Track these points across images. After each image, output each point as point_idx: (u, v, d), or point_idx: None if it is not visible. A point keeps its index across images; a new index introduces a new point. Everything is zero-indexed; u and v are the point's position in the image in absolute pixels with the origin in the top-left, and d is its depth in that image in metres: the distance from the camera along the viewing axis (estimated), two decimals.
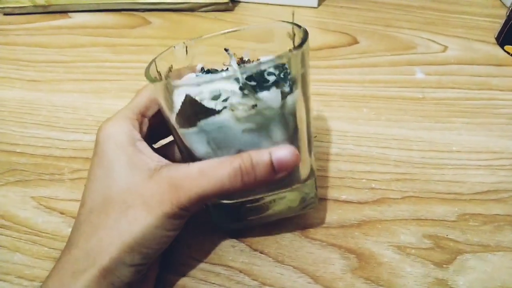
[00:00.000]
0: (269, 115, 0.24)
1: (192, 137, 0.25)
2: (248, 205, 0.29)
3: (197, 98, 0.24)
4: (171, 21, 0.56)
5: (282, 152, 0.25)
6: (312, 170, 0.29)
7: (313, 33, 0.53)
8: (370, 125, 0.40)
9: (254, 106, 0.24)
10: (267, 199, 0.29)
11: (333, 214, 0.33)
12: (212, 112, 0.24)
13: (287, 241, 0.32)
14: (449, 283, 0.29)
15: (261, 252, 0.31)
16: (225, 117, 0.24)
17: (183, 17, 0.56)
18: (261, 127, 0.24)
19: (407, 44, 0.51)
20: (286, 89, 0.25)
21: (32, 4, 0.56)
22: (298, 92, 0.25)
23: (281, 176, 0.25)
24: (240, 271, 0.30)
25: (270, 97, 0.24)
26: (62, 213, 0.34)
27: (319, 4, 0.56)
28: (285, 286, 0.29)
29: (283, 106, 0.25)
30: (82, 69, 0.48)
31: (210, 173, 0.24)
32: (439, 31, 0.53)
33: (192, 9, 0.57)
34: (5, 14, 0.57)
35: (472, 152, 0.38)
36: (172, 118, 0.25)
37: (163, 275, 0.29)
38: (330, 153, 0.38)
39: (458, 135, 0.39)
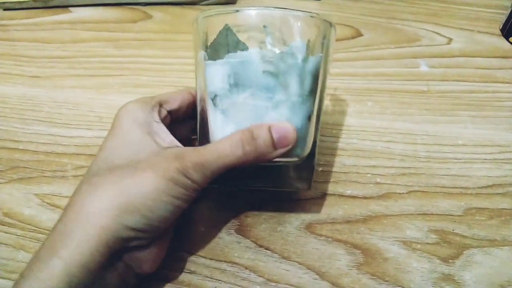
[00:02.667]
0: (290, 64, 0.26)
1: (216, 69, 0.27)
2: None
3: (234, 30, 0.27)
4: (172, 15, 0.55)
5: (282, 127, 0.26)
6: (314, 147, 0.29)
7: None
8: (375, 118, 0.40)
9: (281, 50, 0.26)
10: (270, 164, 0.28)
11: (338, 210, 0.33)
12: (243, 46, 0.26)
13: (293, 237, 0.32)
14: (455, 278, 0.29)
15: (266, 249, 0.31)
16: (252, 52, 0.26)
17: (185, 11, 0.56)
18: (280, 73, 0.26)
19: (411, 36, 0.50)
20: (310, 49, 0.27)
21: None
22: (320, 57, 0.28)
23: (280, 153, 0.26)
24: (246, 268, 0.30)
25: (296, 46, 0.26)
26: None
27: None
28: (291, 282, 0.29)
29: (305, 60, 0.26)
30: (84, 65, 0.48)
31: (213, 147, 0.25)
32: (443, 23, 0.52)
33: (193, 2, 0.56)
34: (5, 10, 0.57)
35: (477, 146, 0.38)
36: (201, 54, 0.28)
37: (167, 272, 0.29)
38: (335, 148, 0.38)
39: (464, 128, 0.39)
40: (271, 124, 0.25)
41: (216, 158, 0.25)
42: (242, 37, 0.27)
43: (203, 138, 0.29)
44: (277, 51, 0.26)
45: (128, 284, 0.26)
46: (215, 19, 0.28)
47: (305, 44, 0.27)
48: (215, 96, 0.27)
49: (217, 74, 0.27)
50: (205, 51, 0.28)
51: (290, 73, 0.26)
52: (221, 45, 0.27)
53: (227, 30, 0.27)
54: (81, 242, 0.22)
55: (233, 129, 0.26)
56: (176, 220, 0.27)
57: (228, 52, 0.27)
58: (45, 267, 0.22)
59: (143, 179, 0.24)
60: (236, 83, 0.26)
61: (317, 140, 0.30)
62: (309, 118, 0.28)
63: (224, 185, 0.30)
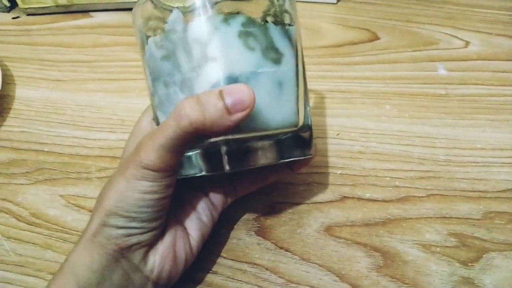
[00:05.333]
0: (174, 40, 0.24)
1: (145, 72, 0.27)
2: (228, 148, 0.25)
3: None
4: None
5: (236, 89, 0.22)
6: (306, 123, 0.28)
7: (333, 30, 0.52)
8: (393, 122, 0.40)
9: (163, 28, 0.25)
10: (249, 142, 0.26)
11: (357, 212, 0.33)
12: (146, 40, 0.26)
13: (312, 239, 0.32)
14: (475, 282, 0.29)
15: (286, 250, 0.32)
16: (149, 44, 0.25)
17: None
18: (171, 53, 0.24)
19: (428, 39, 0.50)
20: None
21: (54, 4, 0.56)
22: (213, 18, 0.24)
23: (239, 118, 0.22)
24: (267, 269, 0.31)
25: (172, 19, 0.24)
26: (90, 211, 0.34)
27: (338, 0, 0.56)
28: (311, 284, 0.30)
29: (185, 31, 0.24)
30: (105, 69, 0.49)
31: (161, 126, 0.24)
32: (460, 26, 0.52)
33: None
34: (28, 15, 0.58)
35: (496, 149, 0.38)
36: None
37: (189, 272, 0.30)
38: (353, 151, 0.38)
39: (482, 132, 0.39)
40: (221, 88, 0.23)
41: (163, 133, 0.23)
42: None
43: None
44: (161, 27, 0.25)
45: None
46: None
47: (179, 11, 0.24)
48: (151, 96, 0.27)
49: (147, 76, 0.27)
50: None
51: (175, 49, 0.24)
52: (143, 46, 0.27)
53: (141, 30, 0.26)
54: (82, 247, 0.25)
55: None
56: (171, 206, 0.27)
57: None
58: (59, 270, 0.25)
59: (113, 184, 0.25)
60: (154, 78, 0.26)
61: (305, 105, 0.28)
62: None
63: (212, 171, 0.27)
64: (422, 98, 0.43)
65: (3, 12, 0.59)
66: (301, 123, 0.27)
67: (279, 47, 0.25)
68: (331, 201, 0.34)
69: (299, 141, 0.27)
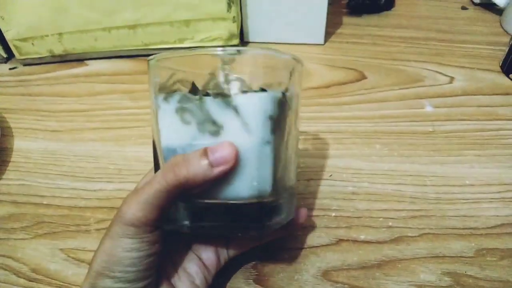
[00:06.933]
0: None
1: None
2: (206, 207, 0.27)
3: None
4: None
5: (219, 146, 0.25)
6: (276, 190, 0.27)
7: (321, 70, 0.54)
8: (384, 161, 0.41)
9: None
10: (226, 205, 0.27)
11: (353, 255, 0.34)
12: None
13: (310, 285, 0.33)
14: None
15: None
16: None
17: None
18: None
19: (414, 77, 0.52)
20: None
21: (50, 54, 0.58)
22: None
23: (220, 170, 0.24)
24: None
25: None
26: (90, 264, 0.35)
27: (325, 41, 0.58)
28: None
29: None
30: (101, 117, 0.50)
31: (149, 181, 0.25)
32: (444, 62, 0.54)
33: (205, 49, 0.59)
34: (24, 65, 0.59)
35: (484, 185, 0.39)
36: None
37: None
38: (347, 192, 0.39)
39: (470, 168, 0.40)
40: (207, 147, 0.25)
41: (150, 187, 0.25)
42: None
43: None
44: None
45: None
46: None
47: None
48: None
49: None
50: None
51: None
52: None
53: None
54: None
55: None
56: (161, 263, 0.27)
57: None
58: None
59: (101, 243, 0.26)
60: None
61: (281, 180, 0.28)
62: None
63: (172, 225, 0.28)
64: (411, 136, 0.44)
65: (0, 63, 0.61)
66: (265, 194, 0.26)
67: (217, 120, 0.25)
68: (327, 245, 0.35)
69: (252, 215, 0.27)
